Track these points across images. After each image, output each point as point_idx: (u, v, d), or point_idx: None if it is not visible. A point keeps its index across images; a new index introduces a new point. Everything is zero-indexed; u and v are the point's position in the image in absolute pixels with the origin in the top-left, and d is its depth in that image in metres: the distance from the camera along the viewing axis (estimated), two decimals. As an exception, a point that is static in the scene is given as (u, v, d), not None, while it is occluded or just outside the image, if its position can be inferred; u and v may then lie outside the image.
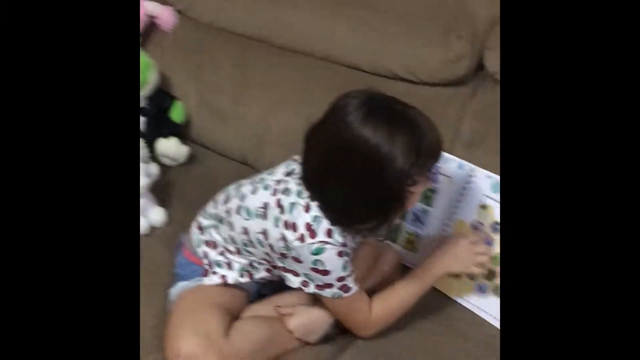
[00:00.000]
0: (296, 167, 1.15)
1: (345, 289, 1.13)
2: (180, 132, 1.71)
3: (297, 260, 1.10)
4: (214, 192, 1.31)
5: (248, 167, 1.65)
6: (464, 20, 1.43)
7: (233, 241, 1.18)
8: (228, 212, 1.19)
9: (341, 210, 1.07)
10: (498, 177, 1.29)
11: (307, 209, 1.09)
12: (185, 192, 1.54)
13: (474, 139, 1.42)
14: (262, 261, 1.18)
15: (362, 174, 1.03)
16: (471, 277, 1.29)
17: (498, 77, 1.42)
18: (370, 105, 1.04)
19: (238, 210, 1.17)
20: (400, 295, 1.20)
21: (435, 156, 1.09)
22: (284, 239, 1.09)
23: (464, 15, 1.44)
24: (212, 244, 1.22)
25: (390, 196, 1.05)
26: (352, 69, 1.58)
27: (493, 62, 1.42)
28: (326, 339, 1.21)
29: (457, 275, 1.30)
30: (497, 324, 1.26)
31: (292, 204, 1.10)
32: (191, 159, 1.70)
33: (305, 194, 1.10)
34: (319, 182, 1.08)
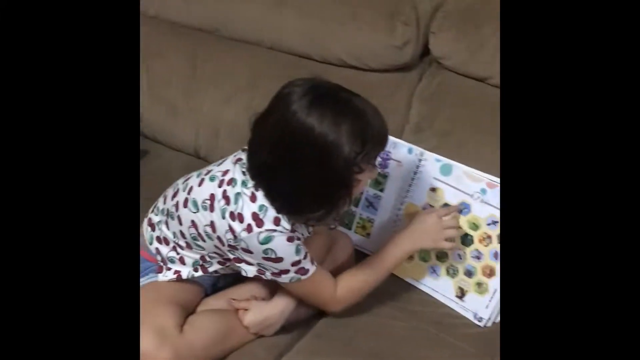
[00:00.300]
0: (244, 157, 1.13)
1: (302, 271, 1.13)
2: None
3: (248, 251, 1.10)
4: (167, 188, 1.30)
5: (202, 160, 1.64)
6: (408, 5, 1.44)
7: (183, 236, 1.18)
8: (176, 206, 1.18)
9: (289, 199, 1.07)
10: (446, 160, 1.31)
11: (253, 198, 1.08)
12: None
13: (422, 123, 1.44)
14: (214, 254, 1.18)
15: (308, 162, 1.03)
16: (424, 259, 1.32)
17: (443, 61, 1.44)
18: (315, 94, 1.04)
19: (185, 203, 1.16)
20: (372, 268, 1.22)
21: (381, 143, 1.09)
22: (231, 230, 1.09)
23: (407, 1, 1.45)
24: (164, 240, 1.21)
25: (337, 184, 1.06)
26: (301, 58, 1.58)
27: (438, 47, 1.44)
28: (282, 328, 1.22)
29: (410, 257, 1.32)
30: (450, 303, 1.29)
31: (238, 194, 1.09)
32: (144, 154, 1.68)
33: (251, 183, 1.09)
34: (266, 172, 1.07)
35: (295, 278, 1.13)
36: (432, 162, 1.32)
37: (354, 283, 1.21)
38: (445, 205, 1.29)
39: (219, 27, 1.66)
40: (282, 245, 1.08)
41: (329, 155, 1.02)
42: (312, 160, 1.03)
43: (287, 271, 1.12)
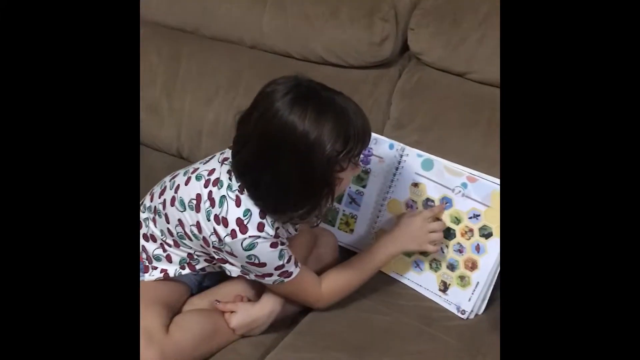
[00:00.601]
0: (230, 156, 1.14)
1: (285, 274, 1.14)
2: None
3: (232, 254, 1.11)
4: (150, 188, 1.30)
5: (184, 160, 1.64)
6: (387, 2, 1.45)
7: (170, 234, 1.18)
8: (163, 204, 1.18)
9: (271, 197, 1.07)
10: (427, 155, 1.32)
11: (238, 202, 1.09)
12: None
13: (403, 118, 1.45)
14: (201, 253, 1.18)
15: (290, 161, 1.03)
16: (407, 254, 1.33)
17: (422, 57, 1.45)
18: (297, 92, 1.04)
19: (172, 201, 1.16)
20: (356, 269, 1.23)
21: (363, 142, 1.09)
22: (216, 233, 1.09)
23: (385, -3, 1.45)
24: (152, 237, 1.21)
25: (319, 183, 1.06)
26: (282, 56, 1.58)
27: (416, 43, 1.44)
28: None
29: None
30: (433, 297, 1.31)
31: (223, 197, 1.09)
32: (126, 155, 1.68)
33: (235, 186, 1.10)
34: (250, 170, 1.07)
35: (279, 280, 1.14)
36: (413, 158, 1.33)
37: (338, 282, 1.22)
38: (428, 200, 1.31)
39: (199, 27, 1.66)
40: (265, 252, 1.09)
41: (310, 153, 1.02)
42: (293, 158, 1.03)
43: (270, 274, 1.13)
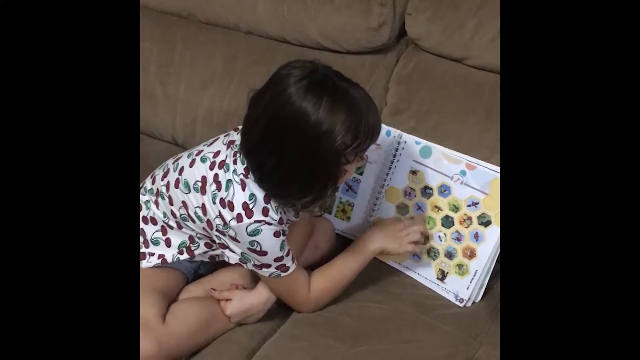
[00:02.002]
0: (237, 139, 1.12)
1: (283, 268, 1.13)
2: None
3: (234, 239, 1.10)
4: (146, 175, 1.29)
5: (180, 147, 1.63)
6: (384, -14, 1.43)
7: (174, 215, 1.17)
8: (167, 186, 1.17)
9: (275, 182, 1.06)
10: (425, 142, 1.31)
11: (244, 186, 1.08)
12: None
13: (400, 104, 1.43)
14: (202, 235, 1.17)
15: (298, 148, 1.02)
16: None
17: (419, 42, 1.43)
18: (314, 78, 1.02)
19: (177, 183, 1.15)
20: (340, 272, 1.22)
21: (372, 137, 1.08)
22: (221, 216, 1.09)
23: (383, -18, 1.43)
24: (152, 220, 1.20)
25: (323, 173, 1.05)
26: (278, 42, 1.56)
27: (414, 28, 1.43)
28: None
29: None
30: (431, 285, 1.30)
31: (229, 181, 1.08)
32: (121, 142, 1.66)
33: (240, 170, 1.08)
34: (256, 151, 1.06)
35: (275, 274, 1.13)
36: (411, 145, 1.32)
37: (325, 286, 1.21)
38: (426, 188, 1.30)
39: (194, 12, 1.63)
40: (268, 239, 1.08)
41: (319, 143, 1.01)
42: (302, 146, 1.02)
43: (268, 265, 1.12)
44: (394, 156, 1.33)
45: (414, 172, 1.32)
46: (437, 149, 1.29)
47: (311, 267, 1.25)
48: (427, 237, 1.30)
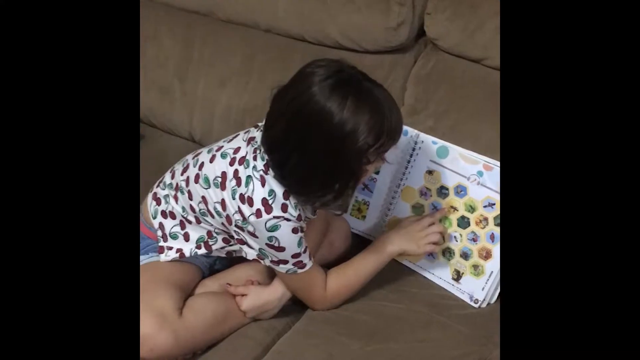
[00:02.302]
0: (257, 135, 1.13)
1: (300, 265, 1.14)
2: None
3: (253, 235, 1.10)
4: (163, 171, 1.30)
5: (197, 144, 1.64)
6: (403, -14, 1.43)
7: (192, 210, 1.18)
8: (187, 181, 1.18)
9: (296, 179, 1.07)
10: (443, 142, 1.31)
11: (263, 182, 1.08)
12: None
13: (418, 104, 1.43)
14: (220, 231, 1.18)
15: (321, 146, 1.02)
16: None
17: (438, 42, 1.43)
18: (339, 78, 1.02)
19: (197, 178, 1.16)
20: (356, 272, 1.22)
21: (394, 138, 1.08)
22: (240, 212, 1.09)
23: (402, -18, 1.44)
24: (171, 214, 1.21)
25: (345, 173, 1.05)
26: (296, 40, 1.57)
27: (433, 28, 1.43)
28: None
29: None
30: (446, 285, 1.30)
31: (249, 177, 1.09)
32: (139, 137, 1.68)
33: (260, 166, 1.09)
34: (279, 148, 1.06)
35: (292, 270, 1.14)
36: (428, 145, 1.32)
37: (340, 285, 1.21)
38: (442, 188, 1.30)
39: (214, 10, 1.65)
40: (286, 235, 1.09)
41: (342, 143, 1.02)
42: (325, 145, 1.02)
43: (285, 261, 1.13)
44: (411, 156, 1.33)
45: (430, 172, 1.32)
46: (454, 149, 1.29)
47: (326, 265, 1.25)
48: (441, 237, 1.30)
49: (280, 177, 1.07)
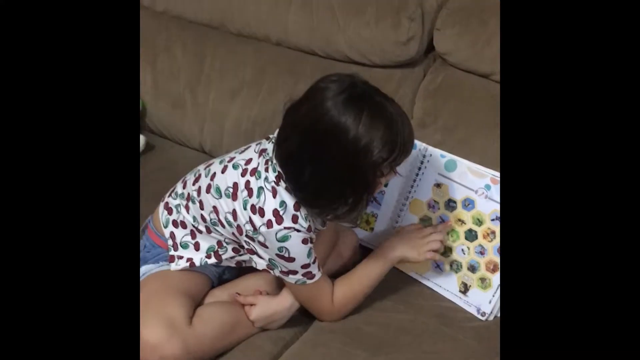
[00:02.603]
0: (268, 147, 1.15)
1: (309, 276, 1.15)
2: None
3: (263, 245, 1.12)
4: (174, 181, 1.32)
5: (207, 155, 1.66)
6: (413, 1, 1.45)
7: (203, 220, 1.19)
8: (198, 190, 1.19)
9: (314, 193, 1.08)
10: (451, 156, 1.32)
11: (275, 193, 1.10)
12: (144, 182, 1.52)
13: (426, 118, 1.45)
14: (230, 240, 1.20)
15: (336, 162, 1.04)
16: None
17: (447, 57, 1.45)
18: (352, 93, 1.04)
19: (208, 188, 1.17)
20: (361, 280, 1.23)
21: (407, 152, 1.10)
22: (251, 222, 1.11)
23: (412, -3, 1.46)
24: (182, 224, 1.23)
25: (359, 186, 1.07)
26: (306, 53, 1.59)
27: (442, 43, 1.44)
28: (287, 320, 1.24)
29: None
30: (453, 298, 1.30)
31: (260, 189, 1.11)
32: (149, 148, 1.69)
33: (272, 178, 1.10)
34: (293, 161, 1.07)
35: (301, 281, 1.15)
36: (436, 158, 1.33)
37: (346, 294, 1.22)
38: (450, 201, 1.31)
39: (225, 23, 1.67)
40: (296, 246, 1.10)
41: (357, 158, 1.03)
42: (340, 159, 1.04)
43: (295, 272, 1.14)
44: (419, 169, 1.34)
45: (438, 185, 1.33)
46: (462, 162, 1.31)
47: (334, 277, 1.25)
48: (449, 249, 1.30)
49: (294, 190, 1.09)
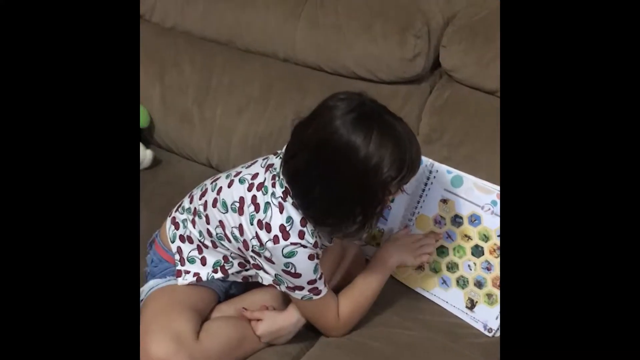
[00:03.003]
0: (275, 162, 1.15)
1: (315, 291, 1.15)
2: (144, 136, 1.72)
3: (270, 260, 1.12)
4: (181, 196, 1.33)
5: (213, 169, 1.67)
6: (420, 19, 1.46)
7: (209, 234, 1.20)
8: (204, 205, 1.20)
9: (324, 211, 1.08)
10: (457, 172, 1.32)
11: (281, 209, 1.10)
12: (151, 197, 1.55)
13: (433, 134, 1.45)
14: (236, 255, 1.20)
15: (348, 181, 1.04)
16: (434, 269, 1.33)
17: (453, 74, 1.46)
18: (361, 112, 1.04)
19: (214, 203, 1.18)
20: (363, 293, 1.23)
21: (415, 170, 1.10)
22: (257, 237, 1.11)
23: (419, 14, 1.46)
24: (188, 239, 1.23)
25: (368, 204, 1.08)
26: (313, 69, 1.60)
27: (448, 60, 1.45)
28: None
29: (421, 268, 1.34)
30: (460, 314, 1.30)
31: (267, 204, 1.11)
32: (156, 163, 1.70)
33: (279, 193, 1.11)
34: (302, 179, 1.08)
35: (308, 296, 1.15)
36: (443, 174, 1.33)
37: (351, 308, 1.22)
38: (456, 217, 1.31)
39: (233, 39, 1.68)
40: (303, 262, 1.10)
41: (367, 177, 1.04)
42: (350, 178, 1.04)
43: (301, 288, 1.14)
44: (425, 184, 1.35)
45: (444, 201, 1.33)
46: (469, 178, 1.31)
47: (338, 292, 1.26)
48: (456, 265, 1.30)
49: (303, 208, 1.09)
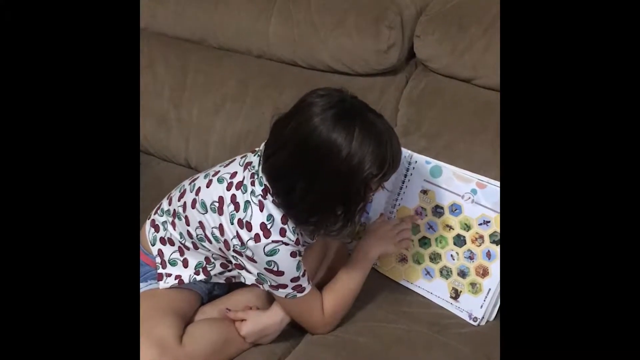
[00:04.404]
0: (254, 160, 1.14)
1: (299, 289, 1.14)
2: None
3: (252, 260, 1.11)
4: (160, 198, 1.31)
5: (192, 170, 1.65)
6: (392, 9, 1.45)
7: (190, 236, 1.19)
8: (184, 206, 1.19)
9: (306, 210, 1.07)
10: (436, 162, 1.32)
11: (261, 207, 1.09)
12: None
13: (410, 125, 1.45)
14: (218, 256, 1.19)
15: (330, 178, 1.04)
16: (418, 261, 1.33)
17: (428, 64, 1.46)
18: (341, 108, 1.03)
19: (193, 204, 1.17)
20: (346, 287, 1.22)
21: (396, 167, 1.10)
22: (238, 237, 1.10)
23: (391, 5, 1.46)
24: (169, 241, 1.22)
25: (352, 202, 1.07)
26: (289, 65, 1.59)
27: (422, 50, 1.45)
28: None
29: (404, 260, 1.33)
30: (445, 304, 1.30)
31: (247, 203, 1.10)
32: (135, 166, 1.69)
33: (258, 192, 1.10)
34: (283, 177, 1.07)
35: (292, 294, 1.14)
36: (422, 165, 1.33)
37: (336, 302, 1.21)
38: (437, 207, 1.31)
39: (206, 37, 1.67)
40: (285, 259, 1.10)
41: (349, 176, 1.03)
42: (332, 176, 1.03)
43: (285, 286, 1.13)
44: (405, 176, 1.34)
45: (424, 192, 1.33)
46: (448, 168, 1.31)
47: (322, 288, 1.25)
48: (439, 255, 1.30)
49: (284, 207, 1.08)
